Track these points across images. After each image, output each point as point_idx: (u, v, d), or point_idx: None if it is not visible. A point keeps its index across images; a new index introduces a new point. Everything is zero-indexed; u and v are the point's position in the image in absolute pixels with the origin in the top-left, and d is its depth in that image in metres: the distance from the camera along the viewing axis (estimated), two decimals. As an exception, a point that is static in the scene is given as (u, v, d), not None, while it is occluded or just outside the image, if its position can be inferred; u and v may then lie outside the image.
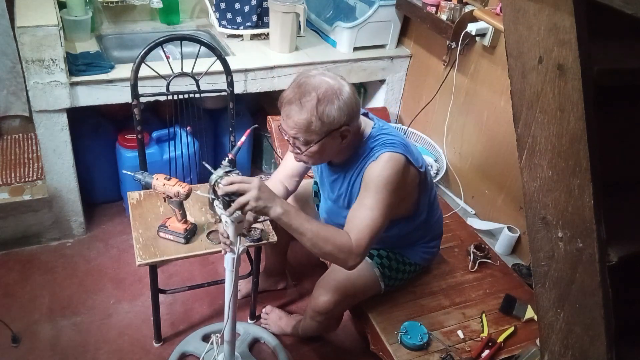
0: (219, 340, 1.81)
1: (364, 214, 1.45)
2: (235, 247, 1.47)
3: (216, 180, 1.39)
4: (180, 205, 1.73)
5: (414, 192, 1.62)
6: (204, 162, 1.48)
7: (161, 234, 1.77)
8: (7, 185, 2.38)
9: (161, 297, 1.96)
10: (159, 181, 1.69)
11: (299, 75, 1.47)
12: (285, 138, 1.50)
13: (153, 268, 1.84)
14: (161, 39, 1.83)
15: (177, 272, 2.37)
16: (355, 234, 1.43)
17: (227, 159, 1.73)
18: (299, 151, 1.48)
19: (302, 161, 1.55)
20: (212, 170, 1.42)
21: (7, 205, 2.30)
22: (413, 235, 1.77)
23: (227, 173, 1.40)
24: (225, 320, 1.68)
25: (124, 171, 1.85)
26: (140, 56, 1.81)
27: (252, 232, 1.83)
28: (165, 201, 1.76)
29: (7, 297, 2.17)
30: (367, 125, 1.57)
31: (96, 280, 2.30)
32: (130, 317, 2.13)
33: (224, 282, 1.63)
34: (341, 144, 1.48)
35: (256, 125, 1.79)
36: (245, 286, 2.24)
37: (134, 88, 1.84)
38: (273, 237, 1.82)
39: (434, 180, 2.27)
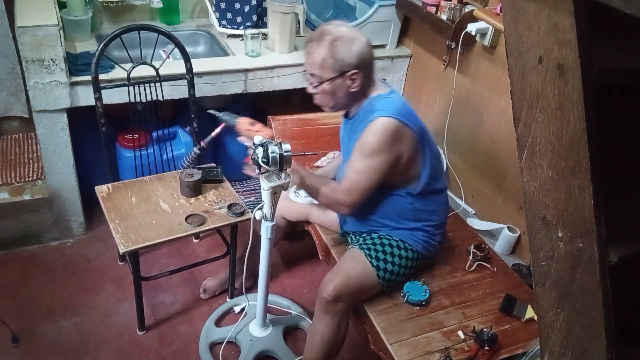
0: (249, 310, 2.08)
1: (355, 176, 1.69)
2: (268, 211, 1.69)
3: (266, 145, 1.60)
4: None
5: (413, 151, 1.71)
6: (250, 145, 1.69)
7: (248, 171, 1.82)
8: (7, 185, 2.38)
9: (151, 293, 1.98)
10: (242, 125, 1.81)
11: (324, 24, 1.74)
12: (305, 79, 1.74)
13: (135, 255, 1.89)
14: (118, 31, 1.93)
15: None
16: (345, 191, 1.71)
17: (197, 146, 2.03)
18: (314, 90, 1.71)
19: (320, 104, 1.75)
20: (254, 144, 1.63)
21: (7, 205, 2.30)
22: (416, 208, 1.81)
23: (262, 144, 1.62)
24: (259, 288, 1.87)
25: (208, 111, 1.93)
26: (99, 49, 1.91)
27: (235, 207, 1.96)
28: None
29: (7, 297, 2.17)
30: (382, 88, 1.75)
31: (96, 280, 2.30)
32: (131, 317, 2.13)
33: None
34: (350, 88, 1.67)
35: None
36: (214, 282, 2.28)
37: (95, 81, 1.93)
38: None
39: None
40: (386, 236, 1.83)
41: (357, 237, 1.89)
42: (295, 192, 2.12)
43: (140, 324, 2.08)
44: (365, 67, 1.66)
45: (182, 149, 2.50)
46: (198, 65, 2.24)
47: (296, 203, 2.10)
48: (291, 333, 2.15)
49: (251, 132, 1.76)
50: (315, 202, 2.03)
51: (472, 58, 2.41)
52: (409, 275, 1.85)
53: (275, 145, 1.57)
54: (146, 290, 2.13)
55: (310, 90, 1.73)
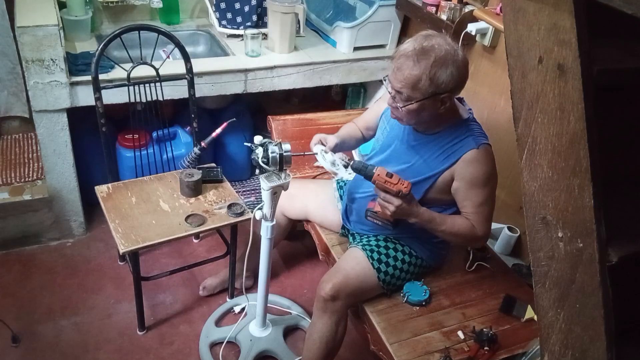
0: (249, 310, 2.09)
1: (480, 211, 1.68)
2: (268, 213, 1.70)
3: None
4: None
5: None
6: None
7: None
8: (7, 185, 2.38)
9: (151, 293, 2.02)
10: (380, 177, 1.60)
11: (420, 34, 1.55)
12: (388, 90, 1.58)
13: (135, 255, 1.89)
14: (118, 31, 1.91)
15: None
16: (480, 226, 1.68)
17: (198, 146, 2.03)
18: (397, 107, 1.57)
19: (397, 118, 1.64)
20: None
21: (7, 205, 2.30)
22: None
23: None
24: (259, 288, 1.89)
25: (353, 165, 1.72)
26: (99, 49, 1.89)
27: (235, 207, 1.96)
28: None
29: (7, 297, 2.17)
30: (463, 109, 1.69)
31: (96, 280, 2.30)
32: (130, 317, 2.13)
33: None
34: (438, 110, 1.56)
35: (234, 119, 1.98)
36: (214, 280, 2.28)
37: (95, 81, 1.92)
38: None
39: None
40: (392, 240, 1.82)
41: (361, 237, 1.89)
42: (322, 151, 1.80)
43: (140, 324, 2.08)
44: (459, 87, 1.56)
45: (182, 149, 2.50)
46: (198, 65, 2.24)
47: (296, 201, 2.07)
48: (291, 333, 2.15)
49: (388, 185, 1.57)
50: (337, 170, 1.79)
51: (472, 58, 2.40)
52: (411, 274, 1.84)
53: (275, 145, 1.57)
54: (146, 290, 2.13)
55: (392, 105, 1.60)
